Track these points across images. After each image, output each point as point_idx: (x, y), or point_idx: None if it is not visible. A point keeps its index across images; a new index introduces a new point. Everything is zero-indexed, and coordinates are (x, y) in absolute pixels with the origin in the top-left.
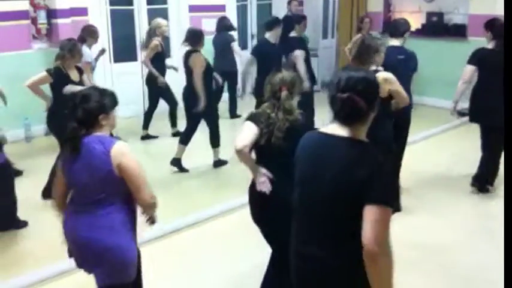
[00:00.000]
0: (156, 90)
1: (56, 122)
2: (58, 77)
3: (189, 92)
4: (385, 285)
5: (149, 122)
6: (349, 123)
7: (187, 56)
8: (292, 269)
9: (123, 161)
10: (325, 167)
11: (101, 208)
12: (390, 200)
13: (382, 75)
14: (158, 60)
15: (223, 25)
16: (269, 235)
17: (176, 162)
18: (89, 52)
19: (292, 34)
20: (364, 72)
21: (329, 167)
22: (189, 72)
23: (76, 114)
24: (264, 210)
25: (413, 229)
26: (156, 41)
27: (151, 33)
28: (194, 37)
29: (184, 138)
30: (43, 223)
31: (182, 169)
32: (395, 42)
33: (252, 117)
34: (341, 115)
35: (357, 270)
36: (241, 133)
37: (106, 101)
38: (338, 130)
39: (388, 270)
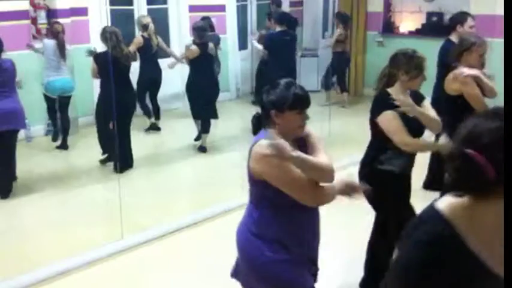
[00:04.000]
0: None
1: None
2: None
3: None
4: None
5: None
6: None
7: None
8: None
9: (255, 167)
10: None
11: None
12: None
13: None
14: (144, 55)
15: (210, 26)
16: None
17: None
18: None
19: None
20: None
21: None
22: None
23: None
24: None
25: None
26: (140, 36)
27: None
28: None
29: None
30: (43, 223)
31: None
32: None
33: None
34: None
35: None
36: None
37: (284, 96)
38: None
39: None
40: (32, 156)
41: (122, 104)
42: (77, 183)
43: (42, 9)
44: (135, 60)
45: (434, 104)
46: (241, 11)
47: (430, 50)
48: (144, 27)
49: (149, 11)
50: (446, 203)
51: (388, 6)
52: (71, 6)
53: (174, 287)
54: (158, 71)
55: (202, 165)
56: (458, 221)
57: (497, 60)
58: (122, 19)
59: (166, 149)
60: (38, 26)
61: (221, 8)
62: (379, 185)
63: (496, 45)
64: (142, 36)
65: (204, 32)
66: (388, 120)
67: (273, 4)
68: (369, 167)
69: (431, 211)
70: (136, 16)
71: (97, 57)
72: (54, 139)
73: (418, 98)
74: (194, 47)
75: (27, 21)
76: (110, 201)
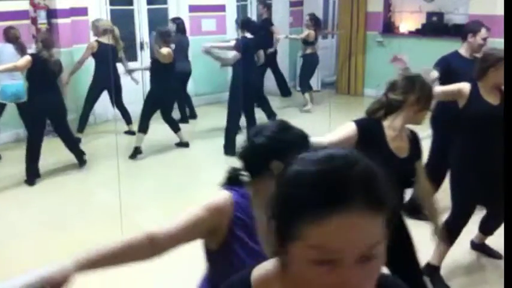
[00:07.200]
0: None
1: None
2: None
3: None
4: None
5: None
6: None
7: None
8: None
9: None
10: None
11: None
12: None
13: None
14: (99, 60)
15: (182, 28)
16: None
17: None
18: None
19: None
20: None
21: None
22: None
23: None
24: None
25: None
26: (94, 41)
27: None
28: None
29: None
30: (43, 223)
31: None
32: None
33: None
34: None
35: None
36: None
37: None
38: None
39: None
40: None
41: (58, 107)
42: (77, 183)
43: (42, 9)
44: (60, 72)
45: (436, 122)
46: (241, 11)
47: (430, 50)
48: (104, 32)
49: (149, 11)
50: (262, 268)
51: (388, 6)
52: (71, 6)
53: (174, 287)
54: (116, 77)
55: (203, 165)
56: None
57: None
58: (121, 19)
59: (166, 149)
60: (38, 26)
61: (221, 8)
62: None
63: (496, 45)
64: (97, 41)
65: (169, 37)
66: (344, 127)
67: (260, 4)
68: None
69: (245, 273)
70: (136, 16)
71: (33, 56)
72: None
73: (415, 142)
74: (169, 50)
75: (27, 21)
76: (110, 201)
